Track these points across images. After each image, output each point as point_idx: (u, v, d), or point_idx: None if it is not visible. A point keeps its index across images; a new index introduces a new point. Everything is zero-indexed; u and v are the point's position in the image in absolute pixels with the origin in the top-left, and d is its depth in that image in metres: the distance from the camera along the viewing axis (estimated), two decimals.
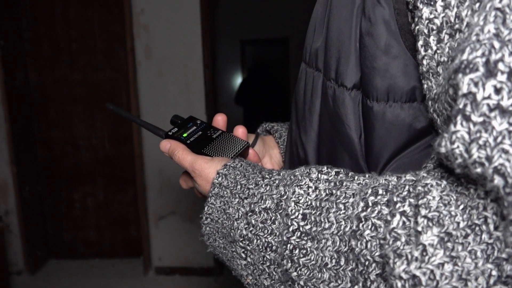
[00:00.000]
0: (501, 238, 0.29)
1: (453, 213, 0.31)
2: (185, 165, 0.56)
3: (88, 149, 2.86)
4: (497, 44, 0.27)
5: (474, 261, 0.29)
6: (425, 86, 0.39)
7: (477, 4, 0.32)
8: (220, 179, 0.51)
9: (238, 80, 5.65)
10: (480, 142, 0.27)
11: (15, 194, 2.68)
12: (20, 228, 2.72)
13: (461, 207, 0.31)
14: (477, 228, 0.30)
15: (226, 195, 0.50)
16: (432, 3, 0.35)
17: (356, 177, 0.42)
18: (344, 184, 0.41)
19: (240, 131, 0.63)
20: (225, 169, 0.51)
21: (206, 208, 0.52)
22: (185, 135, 0.61)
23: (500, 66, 0.27)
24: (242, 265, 0.48)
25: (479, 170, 0.28)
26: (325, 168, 0.44)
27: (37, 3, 2.72)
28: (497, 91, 0.27)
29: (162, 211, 2.73)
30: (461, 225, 0.30)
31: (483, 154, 0.27)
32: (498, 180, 0.27)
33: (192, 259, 2.75)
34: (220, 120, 0.65)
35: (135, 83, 2.58)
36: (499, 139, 0.27)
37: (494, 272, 0.29)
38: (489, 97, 0.27)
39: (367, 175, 0.42)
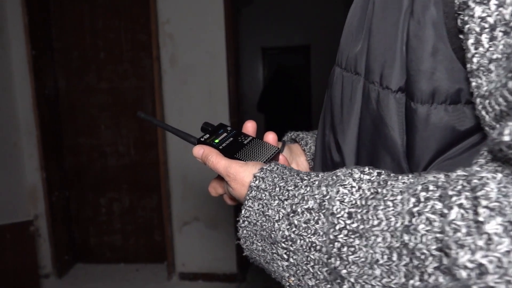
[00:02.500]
0: None
1: None
2: (219, 169, 0.57)
3: (114, 155, 2.92)
4: None
5: None
6: (474, 84, 0.39)
7: None
8: (257, 182, 0.51)
9: (259, 87, 5.68)
10: None
11: (44, 199, 2.76)
12: (49, 233, 2.79)
13: None
14: None
15: (264, 198, 0.50)
16: (485, 1, 0.36)
17: (399, 177, 0.42)
18: (388, 183, 0.42)
19: (270, 137, 0.64)
20: (262, 172, 0.52)
21: (243, 211, 0.52)
22: (217, 141, 0.62)
23: None
24: (284, 266, 0.48)
25: None
26: (367, 168, 0.45)
27: (67, 14, 2.81)
28: None
29: (185, 217, 2.77)
30: None
31: None
32: None
33: (215, 265, 2.77)
34: (250, 127, 0.66)
35: (160, 91, 2.63)
36: None
37: None
38: None
39: (410, 175, 0.42)
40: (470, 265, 0.31)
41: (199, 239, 2.76)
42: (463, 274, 0.31)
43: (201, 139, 0.63)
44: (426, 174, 0.40)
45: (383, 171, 0.44)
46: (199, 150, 0.61)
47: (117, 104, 2.87)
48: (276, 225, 0.48)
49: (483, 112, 0.38)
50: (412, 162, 0.46)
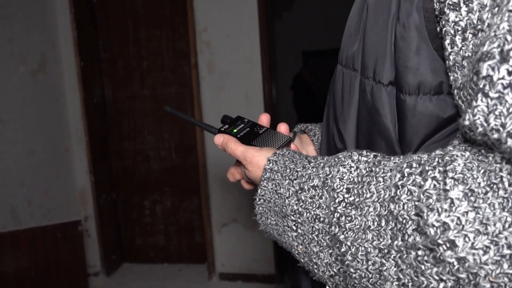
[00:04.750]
0: None
1: (475, 175, 0.37)
2: (238, 154, 0.65)
3: (156, 159, 3.06)
4: (509, 37, 0.34)
5: (493, 211, 0.35)
6: (452, 77, 0.45)
7: (496, 9, 0.38)
8: (271, 165, 0.59)
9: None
10: (496, 113, 0.34)
11: (93, 201, 2.94)
12: (98, 233, 2.96)
13: (482, 171, 0.37)
14: (494, 186, 0.36)
15: (277, 178, 0.57)
16: (457, 8, 0.42)
17: (392, 158, 0.49)
18: (382, 163, 0.48)
19: (282, 127, 0.72)
20: (274, 156, 0.60)
21: (259, 190, 0.59)
22: (235, 131, 0.70)
23: None
24: (293, 237, 0.55)
25: (496, 135, 0.35)
26: (365, 152, 0.52)
27: (112, 26, 2.99)
28: (509, 73, 0.34)
29: (224, 218, 2.84)
30: (482, 184, 0.37)
31: (499, 122, 0.34)
32: (510, 142, 0.34)
33: (254, 266, 2.82)
34: (264, 119, 0.74)
35: (199, 96, 2.73)
36: (510, 109, 0.34)
37: (509, 219, 0.35)
38: (503, 78, 0.34)
39: (401, 156, 0.49)
40: (436, 224, 0.37)
41: (237, 241, 2.83)
42: (432, 231, 0.38)
43: (221, 129, 0.71)
44: (412, 155, 0.47)
45: (379, 154, 0.51)
46: (219, 138, 0.69)
47: (159, 110, 3.00)
48: (286, 201, 0.55)
49: (460, 102, 0.44)
50: (404, 146, 0.52)
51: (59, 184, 2.81)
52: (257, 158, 0.62)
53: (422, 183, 0.40)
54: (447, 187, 0.38)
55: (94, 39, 2.98)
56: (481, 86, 0.36)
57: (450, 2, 0.43)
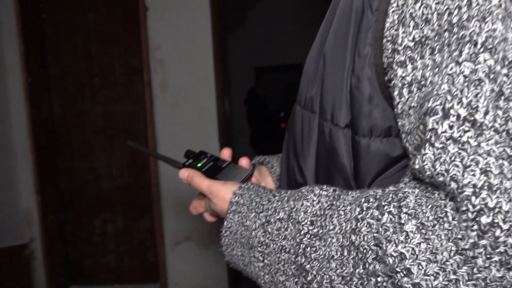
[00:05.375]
0: (456, 225, 0.40)
1: (424, 210, 0.43)
2: (203, 188, 0.68)
3: (108, 178, 2.99)
4: (449, 97, 0.41)
5: (440, 241, 0.41)
6: (400, 123, 0.51)
7: (436, 69, 0.44)
8: (237, 198, 0.63)
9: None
10: (441, 160, 0.41)
11: (39, 222, 2.82)
12: (44, 255, 2.84)
13: (430, 206, 0.43)
14: (440, 219, 0.41)
15: (243, 211, 0.61)
16: (404, 66, 0.48)
17: (349, 192, 0.55)
18: (341, 197, 0.54)
19: (244, 161, 0.77)
20: (240, 190, 0.64)
21: (225, 222, 0.63)
22: (199, 165, 0.72)
23: (452, 111, 0.40)
24: (260, 267, 0.59)
25: (441, 179, 0.41)
26: (325, 186, 0.57)
27: (62, 41, 2.92)
28: (450, 127, 0.40)
29: (178, 237, 2.82)
30: (430, 218, 0.42)
31: (443, 168, 0.40)
32: (453, 185, 0.40)
33: (207, 283, 2.81)
34: (226, 154, 0.79)
35: (152, 114, 2.72)
36: (453, 158, 0.40)
37: (453, 248, 0.40)
38: (445, 131, 0.40)
39: (357, 191, 0.54)
40: (394, 254, 0.43)
41: (191, 259, 2.82)
42: (391, 260, 0.43)
43: (186, 163, 0.73)
44: (368, 190, 0.52)
45: (337, 188, 0.56)
46: (184, 173, 0.72)
47: (111, 128, 2.95)
48: (253, 233, 0.59)
49: (407, 144, 0.50)
50: (359, 181, 0.58)
51: (2, 206, 2.68)
52: (222, 192, 0.66)
53: (379, 217, 0.46)
54: (402, 221, 0.43)
55: (42, 55, 2.90)
56: (428, 137, 0.42)
57: (398, 60, 0.48)
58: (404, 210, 0.44)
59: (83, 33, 2.90)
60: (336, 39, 0.59)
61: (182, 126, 2.73)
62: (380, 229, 0.45)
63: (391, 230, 0.44)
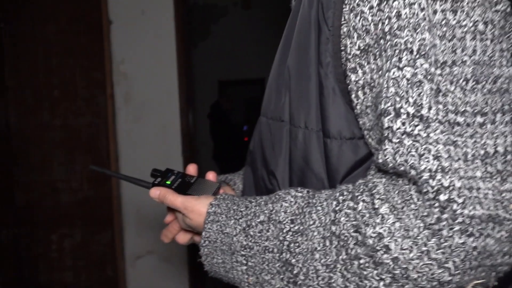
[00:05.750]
0: (421, 205, 0.46)
1: (393, 195, 0.49)
2: (177, 204, 0.70)
3: (66, 191, 2.93)
4: (397, 99, 0.48)
5: (410, 220, 0.47)
6: (361, 122, 0.59)
7: (380, 72, 0.52)
8: (213, 208, 0.66)
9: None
10: (400, 153, 0.47)
11: None
12: None
13: (396, 191, 0.49)
14: (407, 202, 0.48)
15: (221, 220, 0.64)
16: (355, 71, 0.56)
17: (322, 191, 0.60)
18: (315, 195, 0.59)
19: (211, 175, 0.81)
20: (216, 201, 0.67)
21: (204, 233, 0.66)
22: (168, 182, 0.73)
23: (402, 110, 0.48)
24: (243, 270, 0.62)
25: (402, 168, 0.48)
26: (299, 188, 0.62)
27: (20, 53, 2.85)
28: (403, 124, 0.47)
29: (139, 251, 2.79)
30: (399, 201, 0.48)
31: (403, 159, 0.47)
32: (413, 172, 0.46)
33: None
34: (192, 169, 0.82)
35: (114, 128, 2.70)
36: (409, 149, 0.47)
37: (421, 224, 0.46)
38: (399, 128, 0.48)
39: (329, 190, 0.60)
40: (373, 235, 0.48)
41: (153, 273, 2.79)
42: (370, 241, 0.49)
43: (155, 182, 0.74)
44: (341, 185, 0.59)
45: (310, 190, 0.62)
46: (156, 192, 0.73)
47: (71, 141, 2.90)
48: (234, 238, 0.62)
49: (370, 140, 0.58)
50: (331, 181, 0.64)
51: None
52: (198, 206, 0.68)
53: (355, 206, 0.52)
54: (376, 206, 0.50)
55: None
56: (386, 135, 0.49)
57: (350, 67, 0.57)
58: (377, 196, 0.50)
59: (44, 45, 2.85)
60: (298, 52, 0.66)
61: (145, 139, 2.73)
62: (358, 216, 0.51)
63: (367, 215, 0.50)
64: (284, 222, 0.58)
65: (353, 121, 0.60)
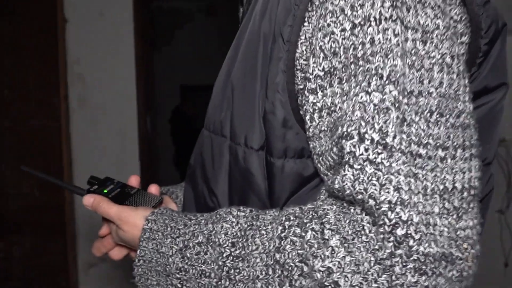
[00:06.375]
0: (373, 237, 0.44)
1: (344, 225, 0.46)
2: (111, 213, 0.65)
3: (16, 197, 2.78)
4: (363, 123, 0.45)
5: (360, 253, 0.44)
6: (311, 145, 0.55)
7: (345, 97, 0.49)
8: (150, 224, 0.60)
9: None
10: (360, 180, 0.45)
11: None
12: None
13: (348, 221, 0.46)
14: (358, 233, 0.45)
15: (157, 238, 0.59)
16: (315, 93, 0.52)
17: (267, 211, 0.56)
18: (260, 216, 0.55)
19: (153, 188, 0.77)
20: (153, 215, 0.61)
21: (138, 251, 0.60)
22: (105, 191, 0.68)
23: (366, 136, 0.45)
24: None
25: (360, 197, 0.45)
26: (241, 207, 0.58)
27: None
28: (366, 150, 0.45)
29: (93, 259, 2.69)
30: (350, 232, 0.45)
31: (362, 187, 0.44)
32: (371, 202, 0.44)
33: None
34: (134, 181, 0.77)
35: (68, 131, 2.60)
36: (370, 177, 0.44)
37: (372, 258, 0.44)
38: (362, 154, 0.45)
39: (274, 210, 0.56)
40: (322, 268, 0.45)
41: (106, 281, 2.69)
42: (318, 275, 0.45)
43: (91, 189, 0.69)
44: (286, 208, 0.55)
45: (254, 209, 0.57)
46: (89, 199, 0.67)
47: (22, 143, 2.77)
48: (170, 259, 0.57)
49: (319, 165, 0.55)
50: (274, 201, 0.60)
51: None
52: (133, 218, 0.62)
53: (303, 234, 0.48)
54: (326, 237, 0.46)
55: None
56: (346, 159, 0.46)
57: (309, 88, 0.52)
58: (327, 226, 0.47)
59: None
60: (244, 66, 0.62)
61: (101, 144, 2.64)
62: (305, 245, 0.47)
63: (316, 246, 0.46)
64: (225, 245, 0.54)
65: (303, 140, 0.57)
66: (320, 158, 0.53)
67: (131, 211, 0.64)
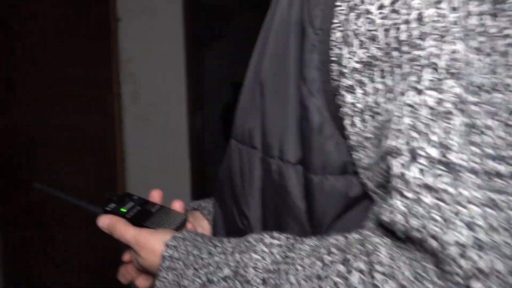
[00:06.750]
0: (443, 286, 0.33)
1: (401, 267, 0.36)
2: (128, 238, 0.57)
3: (72, 192, 2.88)
4: (415, 134, 0.35)
5: None
6: (355, 157, 0.45)
7: (389, 94, 0.39)
8: (170, 251, 0.52)
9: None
10: (415, 214, 0.34)
11: None
12: (4, 271, 2.71)
13: (406, 261, 0.36)
14: (420, 277, 0.35)
15: (178, 268, 0.51)
16: (353, 91, 0.42)
17: (305, 240, 0.46)
18: (296, 246, 0.45)
19: (177, 205, 0.66)
20: (174, 241, 0.53)
21: (157, 282, 0.52)
22: (123, 209, 0.61)
23: (420, 152, 0.34)
24: None
25: (418, 235, 0.34)
26: (275, 233, 0.49)
27: (28, 50, 2.83)
28: (421, 171, 0.34)
29: None
30: (410, 277, 0.35)
31: (420, 223, 0.34)
32: (434, 243, 0.33)
33: None
34: (156, 196, 0.68)
35: (121, 128, 2.65)
36: (429, 210, 0.33)
37: None
38: (415, 178, 0.34)
39: (314, 238, 0.46)
40: None
41: None
42: None
43: (107, 208, 0.62)
44: (327, 237, 0.45)
45: (290, 236, 0.48)
46: (105, 220, 0.61)
47: (78, 140, 2.86)
48: None
49: (366, 181, 0.44)
50: (315, 225, 0.50)
51: None
52: (152, 243, 0.54)
53: (347, 275, 0.38)
54: (377, 283, 0.36)
55: (5, 62, 2.80)
56: (394, 183, 0.36)
57: (345, 85, 0.42)
58: (378, 268, 0.37)
59: (52, 42, 2.83)
60: (274, 62, 0.53)
61: (152, 139, 2.67)
62: None
63: None
64: (253, 282, 0.45)
65: (345, 152, 0.47)
66: (367, 172, 0.44)
67: (149, 235, 0.56)
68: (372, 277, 0.37)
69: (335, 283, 0.39)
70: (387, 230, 0.39)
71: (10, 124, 2.84)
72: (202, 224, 0.73)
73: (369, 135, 0.42)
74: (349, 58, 0.42)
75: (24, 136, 2.88)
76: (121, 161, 2.66)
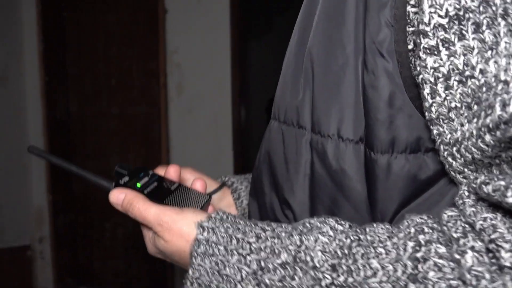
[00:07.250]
0: None
1: None
2: (148, 217, 0.48)
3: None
4: None
5: None
6: (435, 131, 0.38)
7: (490, 52, 0.32)
8: (206, 234, 0.44)
9: None
10: None
11: (49, 222, 2.80)
12: (52, 255, 2.82)
13: None
14: None
15: (219, 253, 0.42)
16: (436, 52, 0.35)
17: (374, 225, 0.40)
18: (367, 229, 0.39)
19: (198, 184, 0.58)
20: (210, 222, 0.45)
21: (191, 271, 0.44)
22: (139, 185, 0.52)
23: None
24: None
25: None
26: (338, 219, 0.42)
27: (82, 41, 2.92)
28: None
29: None
30: None
31: None
32: None
33: None
34: (173, 172, 0.58)
35: (167, 117, 2.67)
36: None
37: None
38: None
39: (385, 225, 0.40)
40: None
41: None
42: None
43: (120, 181, 0.52)
44: (406, 218, 0.39)
45: (353, 224, 0.41)
46: (119, 195, 0.51)
47: (126, 129, 2.92)
48: (239, 286, 0.41)
49: (449, 159, 0.38)
50: (376, 215, 0.44)
51: (14, 203, 2.67)
52: (179, 223, 0.46)
53: (456, 256, 0.32)
54: (507, 263, 0.29)
55: (61, 54, 2.90)
56: None
57: (426, 46, 0.36)
58: (506, 246, 0.29)
59: (103, 34, 2.89)
60: (328, 25, 0.45)
61: (196, 131, 2.67)
62: (468, 275, 0.31)
63: (487, 276, 0.30)
64: (322, 268, 0.37)
65: (418, 126, 0.41)
66: (454, 148, 0.36)
67: (175, 214, 0.47)
68: (496, 257, 0.30)
69: (439, 267, 0.33)
70: (493, 204, 0.33)
71: (66, 115, 2.94)
72: (230, 210, 0.66)
73: (456, 104, 0.36)
74: (432, 12, 0.34)
75: (77, 125, 2.98)
76: (165, 152, 2.68)
